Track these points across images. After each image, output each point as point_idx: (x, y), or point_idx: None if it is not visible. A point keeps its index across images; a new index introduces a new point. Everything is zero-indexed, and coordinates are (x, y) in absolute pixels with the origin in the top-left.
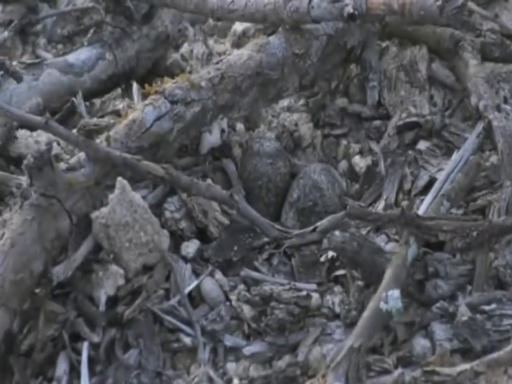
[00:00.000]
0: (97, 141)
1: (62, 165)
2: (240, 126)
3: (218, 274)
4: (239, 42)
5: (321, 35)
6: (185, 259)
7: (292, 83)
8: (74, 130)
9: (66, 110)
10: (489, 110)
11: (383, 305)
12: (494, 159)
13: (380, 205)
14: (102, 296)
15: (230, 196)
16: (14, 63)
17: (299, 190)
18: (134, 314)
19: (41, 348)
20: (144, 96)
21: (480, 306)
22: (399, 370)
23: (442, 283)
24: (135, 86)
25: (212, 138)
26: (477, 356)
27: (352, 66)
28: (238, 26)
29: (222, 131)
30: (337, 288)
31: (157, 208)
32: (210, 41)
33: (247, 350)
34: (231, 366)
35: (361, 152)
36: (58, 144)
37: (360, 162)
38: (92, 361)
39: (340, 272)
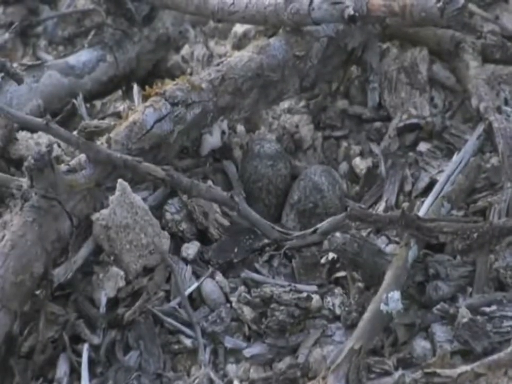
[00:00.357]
0: (98, 142)
1: (63, 167)
2: (240, 128)
3: (219, 276)
4: (239, 44)
5: (322, 37)
6: (185, 261)
7: (292, 85)
8: (75, 132)
9: (67, 112)
10: (489, 111)
11: (383, 307)
12: (494, 160)
13: (381, 207)
14: (103, 298)
15: (231, 198)
16: (15, 64)
17: (299, 191)
18: (134, 316)
19: (41, 349)
20: (145, 98)
21: (481, 308)
22: (400, 372)
23: (443, 285)
24: (135, 87)
25: (212, 140)
26: (478, 357)
27: (352, 68)
28: (239, 28)
29: (223, 133)
30: (338, 290)
31: (158, 210)
32: (211, 43)
33: (248, 352)
34: (231, 368)
35: (361, 154)
36: (59, 146)
37: (361, 164)
38: (92, 363)
39: (340, 273)
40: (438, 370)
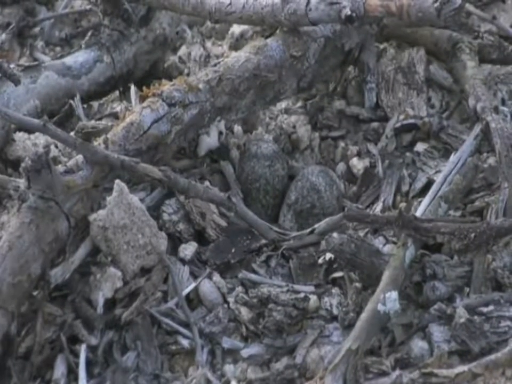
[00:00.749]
0: (95, 143)
1: (60, 168)
2: (238, 128)
3: (216, 277)
4: (236, 44)
5: (319, 37)
6: (183, 261)
7: (289, 85)
8: (72, 133)
9: (64, 113)
10: (487, 111)
11: (381, 307)
12: (491, 160)
13: (378, 207)
14: (100, 299)
15: (228, 198)
16: (12, 65)
17: (297, 192)
18: (132, 316)
19: (39, 350)
20: (142, 98)
21: (478, 308)
22: (397, 372)
23: (440, 285)
24: (133, 88)
25: (209, 140)
26: (475, 357)
27: (350, 69)
28: (236, 29)
29: (220, 133)
30: (335, 290)
31: (155, 210)
32: (208, 44)
33: (245, 352)
34: (229, 368)
35: (359, 154)
36: (56, 146)
37: (358, 164)
38: (89, 364)
39: (338, 274)
40: (436, 371)
